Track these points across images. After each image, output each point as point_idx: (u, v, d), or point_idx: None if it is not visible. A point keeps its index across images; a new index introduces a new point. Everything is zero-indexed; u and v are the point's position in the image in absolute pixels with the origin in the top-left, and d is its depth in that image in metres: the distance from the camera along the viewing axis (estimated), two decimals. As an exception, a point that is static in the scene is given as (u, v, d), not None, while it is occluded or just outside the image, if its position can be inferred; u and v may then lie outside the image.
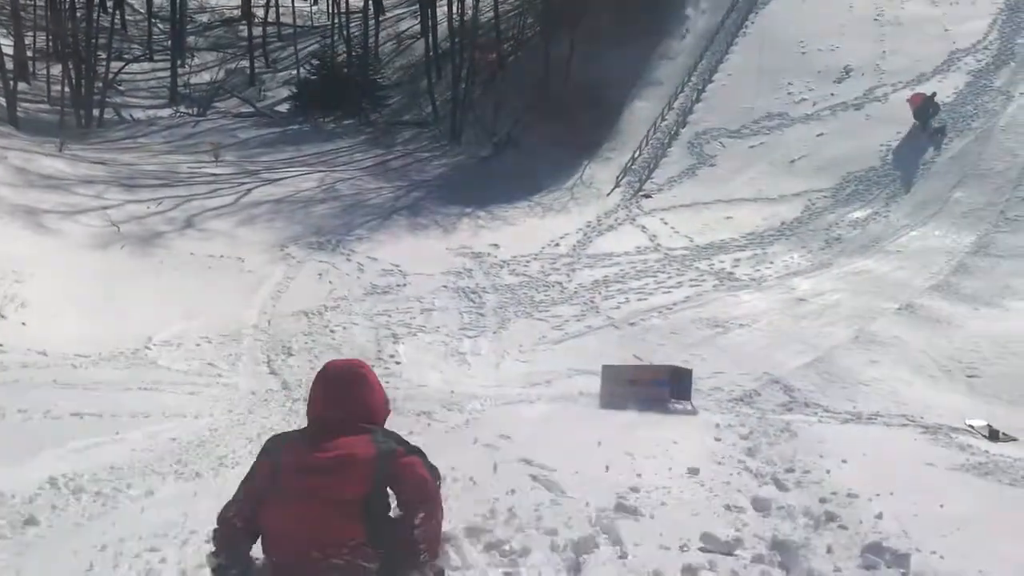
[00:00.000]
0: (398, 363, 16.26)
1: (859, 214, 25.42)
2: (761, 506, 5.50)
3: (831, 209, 26.00)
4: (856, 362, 17.01)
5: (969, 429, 13.17)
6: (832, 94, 32.44)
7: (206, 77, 43.12)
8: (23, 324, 14.16)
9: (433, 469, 3.61)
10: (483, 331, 18.48)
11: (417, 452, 3.59)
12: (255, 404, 11.29)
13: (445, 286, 21.03)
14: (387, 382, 13.80)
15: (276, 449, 3.57)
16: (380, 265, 22.00)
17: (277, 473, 3.47)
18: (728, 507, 5.41)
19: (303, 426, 3.70)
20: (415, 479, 3.49)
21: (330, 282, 20.53)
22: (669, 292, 21.09)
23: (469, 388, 13.77)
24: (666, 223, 26.22)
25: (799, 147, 29.92)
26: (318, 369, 3.65)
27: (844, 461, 7.52)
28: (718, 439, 8.75)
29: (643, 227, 26.13)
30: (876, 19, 36.63)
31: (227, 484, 6.36)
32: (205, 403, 10.87)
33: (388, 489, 3.51)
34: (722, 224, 25.86)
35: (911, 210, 25.23)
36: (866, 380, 16.36)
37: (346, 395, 3.60)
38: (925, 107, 28.67)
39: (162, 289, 18.28)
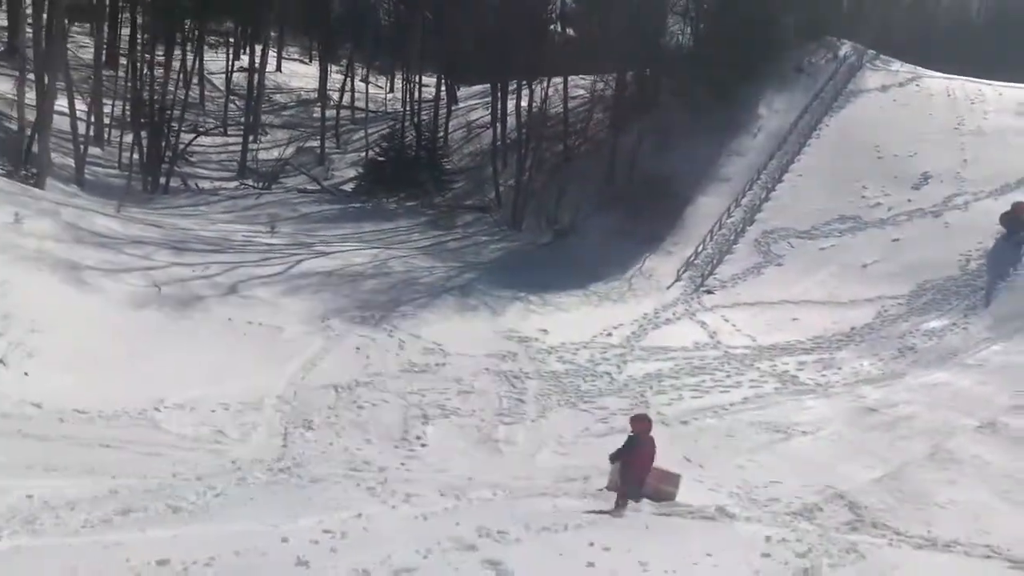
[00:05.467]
0: (423, 445, 15.12)
1: (936, 324, 23.75)
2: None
3: (905, 317, 24.41)
4: (932, 481, 15.27)
5: (1066, 567, 11.43)
6: (909, 200, 31.17)
7: (276, 154, 43.73)
8: (25, 374, 13.50)
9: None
10: (522, 418, 17.26)
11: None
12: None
13: (487, 368, 19.95)
14: (402, 464, 12.68)
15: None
16: (422, 343, 21.08)
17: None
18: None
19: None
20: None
21: (367, 356, 19.64)
22: (727, 391, 19.70)
23: (493, 477, 12.51)
24: (727, 320, 24.92)
25: (872, 251, 28.56)
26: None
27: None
28: (766, 555, 7.35)
29: (703, 323, 24.87)
30: (957, 128, 35.53)
31: None
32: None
33: None
34: (787, 325, 24.46)
35: (993, 323, 23.47)
36: (943, 502, 14.61)
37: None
38: (1019, 218, 27.14)
39: (191, 352, 17.59)
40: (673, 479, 13.19)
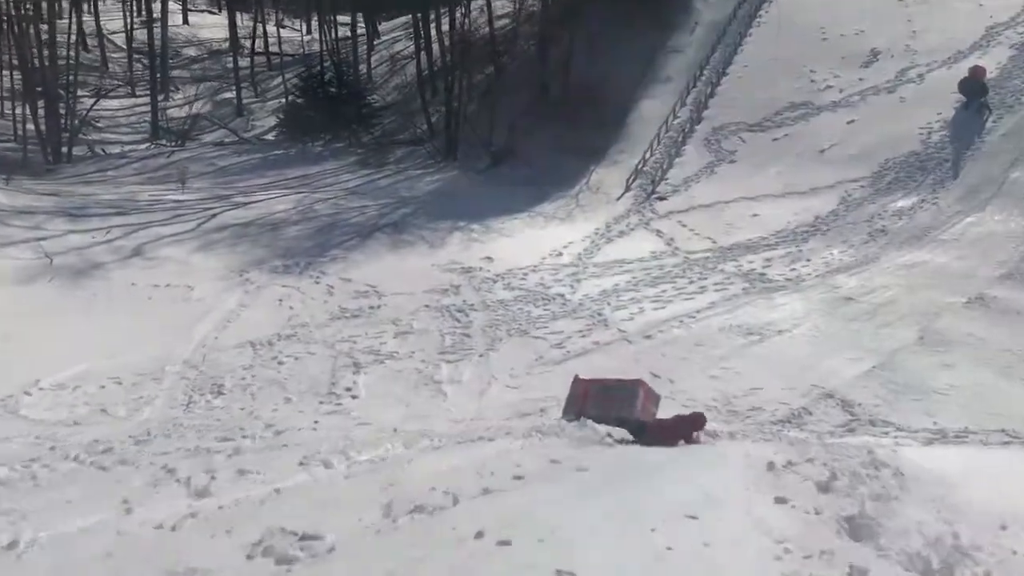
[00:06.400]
0: (354, 397, 13.22)
1: (904, 203, 22.28)
2: None
3: (871, 199, 22.89)
4: (926, 367, 13.86)
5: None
6: (860, 79, 29.35)
7: (190, 110, 40.78)
8: None
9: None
10: (467, 354, 15.40)
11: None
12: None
13: (427, 305, 18.02)
14: (315, 423, 10.76)
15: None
16: (353, 286, 19.07)
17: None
18: None
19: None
20: None
21: (291, 308, 17.61)
22: (691, 298, 18.03)
23: (428, 424, 10.64)
24: (684, 225, 23.16)
25: (829, 136, 26.82)
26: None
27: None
28: (782, 500, 5.33)
29: (658, 231, 23.08)
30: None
31: None
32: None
33: None
34: (748, 223, 22.77)
35: (963, 195, 22.08)
36: (942, 388, 13.17)
37: None
38: (978, 82, 25.62)
39: (85, 325, 15.50)
40: (655, 398, 11.69)
